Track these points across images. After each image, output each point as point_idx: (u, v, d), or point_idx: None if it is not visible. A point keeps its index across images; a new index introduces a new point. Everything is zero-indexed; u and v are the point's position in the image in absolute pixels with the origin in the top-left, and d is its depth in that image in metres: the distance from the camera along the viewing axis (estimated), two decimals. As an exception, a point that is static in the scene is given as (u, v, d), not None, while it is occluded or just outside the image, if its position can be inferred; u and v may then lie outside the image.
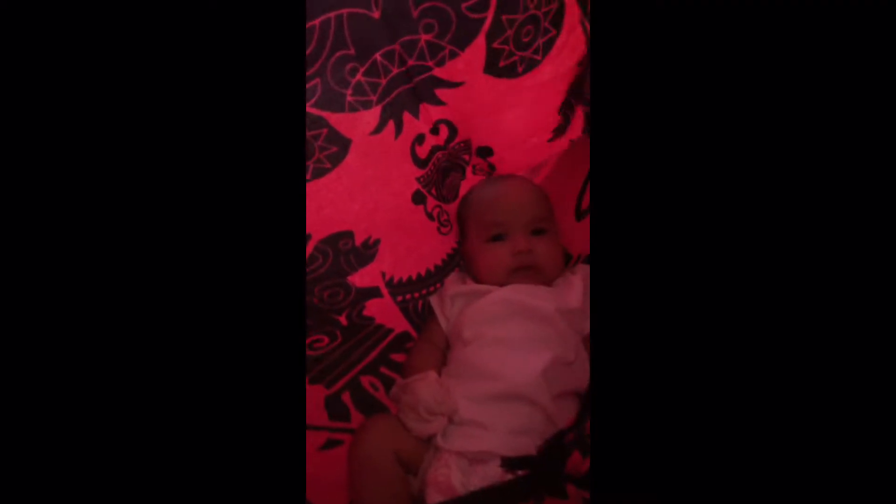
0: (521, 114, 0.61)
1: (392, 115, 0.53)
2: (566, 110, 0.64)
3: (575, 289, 0.62)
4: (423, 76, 0.54)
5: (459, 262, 0.72)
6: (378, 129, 0.53)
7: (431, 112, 0.57)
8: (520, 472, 0.42)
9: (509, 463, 0.41)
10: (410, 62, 0.52)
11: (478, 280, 0.66)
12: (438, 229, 0.69)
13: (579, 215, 0.73)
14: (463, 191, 0.71)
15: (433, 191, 0.65)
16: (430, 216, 0.66)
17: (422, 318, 0.68)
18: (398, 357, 0.66)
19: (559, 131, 0.66)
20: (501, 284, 0.63)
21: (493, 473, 0.49)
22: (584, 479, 0.39)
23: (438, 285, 0.69)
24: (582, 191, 0.72)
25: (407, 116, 0.55)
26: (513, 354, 0.57)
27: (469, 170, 0.69)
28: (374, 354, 0.64)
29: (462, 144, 0.64)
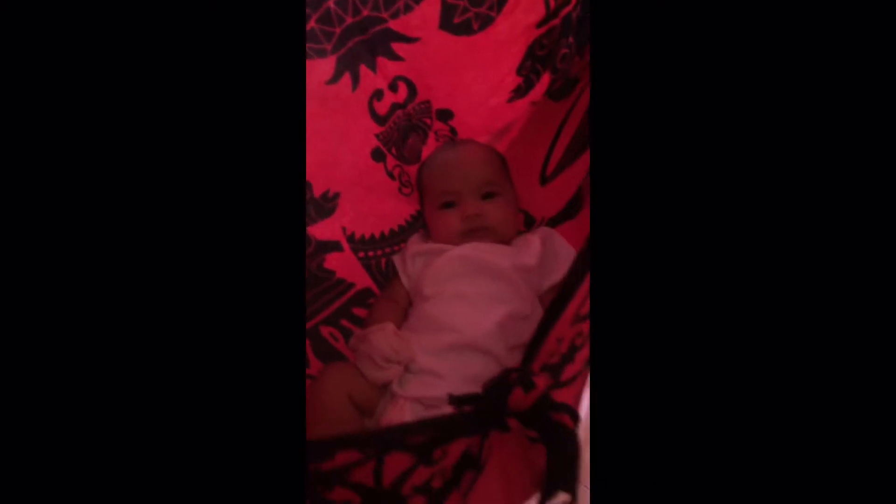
0: (479, 74, 0.62)
1: (348, 66, 0.54)
2: (527, 72, 0.65)
3: (532, 247, 0.64)
4: (378, 27, 0.54)
5: (423, 223, 0.73)
6: (334, 79, 0.53)
7: (389, 67, 0.58)
8: (466, 408, 0.44)
9: (457, 400, 0.42)
10: (365, 12, 0.52)
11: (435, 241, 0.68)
12: (400, 189, 0.70)
13: (544, 180, 0.74)
14: (425, 154, 0.72)
15: (393, 150, 0.66)
16: (390, 175, 0.67)
17: (385, 275, 0.69)
18: (360, 311, 0.67)
19: (518, 92, 0.67)
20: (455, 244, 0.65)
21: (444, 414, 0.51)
22: (526, 415, 0.40)
23: (402, 245, 0.71)
24: (547, 156, 0.73)
25: (364, 69, 0.55)
26: (470, 309, 0.59)
27: (431, 134, 0.70)
28: (335, 307, 0.65)
29: (423, 106, 0.64)
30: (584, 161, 0.69)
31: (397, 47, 0.56)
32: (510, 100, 0.67)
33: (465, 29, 0.57)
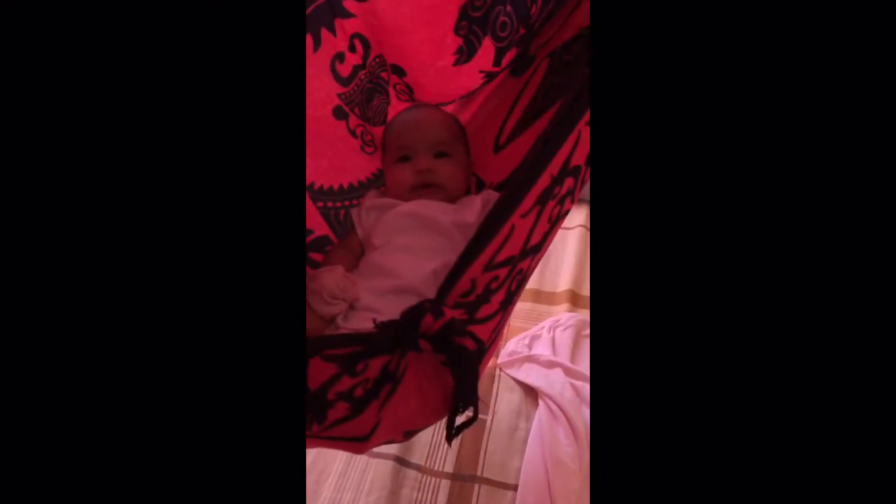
0: (421, 35, 0.66)
1: (310, 29, 0.59)
2: (465, 32, 0.68)
3: (473, 206, 0.71)
4: None
5: (384, 182, 0.79)
6: (296, 40, 0.59)
7: (346, 26, 0.63)
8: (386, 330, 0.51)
9: (379, 325, 0.49)
10: (321, -27, 0.56)
11: (389, 196, 0.74)
12: (362, 147, 0.75)
13: (497, 148, 0.81)
14: (390, 116, 0.78)
15: (356, 110, 0.72)
16: (352, 133, 0.73)
17: (343, 225, 0.76)
18: (317, 256, 0.74)
19: (461, 55, 0.71)
20: (406, 200, 0.71)
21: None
22: (435, 338, 0.48)
23: (362, 199, 0.77)
24: (502, 126, 0.80)
25: (325, 33, 0.61)
26: (411, 258, 0.66)
27: (392, 92, 0.75)
28: (292, 251, 0.71)
29: (378, 60, 0.69)
30: (532, 132, 0.75)
31: (349, 4, 0.61)
32: (455, 63, 0.71)
33: None
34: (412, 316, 0.48)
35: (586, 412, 0.94)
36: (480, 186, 0.81)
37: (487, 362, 0.73)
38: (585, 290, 1.22)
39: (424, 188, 0.71)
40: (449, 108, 0.82)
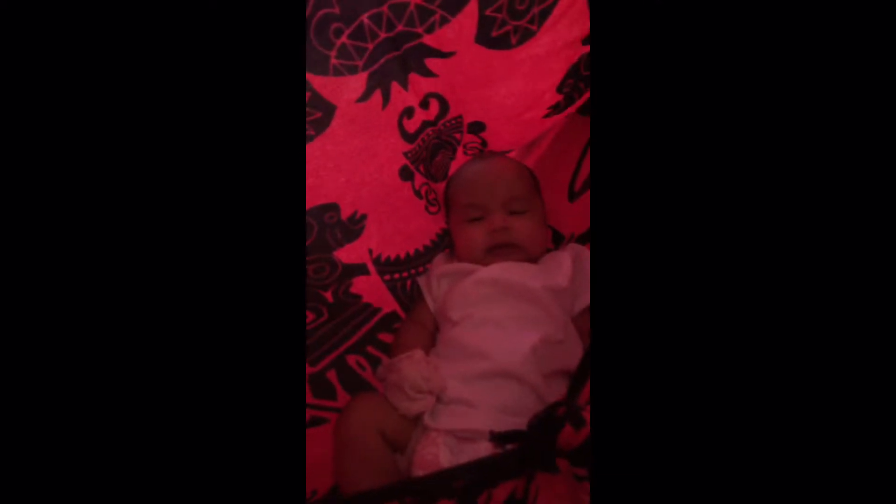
0: (515, 88, 0.60)
1: (379, 83, 0.52)
2: (569, 90, 0.63)
3: (564, 267, 0.61)
4: (412, 43, 0.52)
5: (449, 243, 0.71)
6: (364, 97, 0.52)
7: (421, 84, 0.56)
8: (509, 447, 0.41)
9: (498, 437, 0.40)
10: (399, 27, 0.50)
11: (460, 259, 0.66)
12: (426, 208, 0.68)
13: (572, 196, 0.72)
14: (452, 171, 0.70)
15: (421, 168, 0.64)
16: (417, 194, 0.65)
17: (410, 298, 0.67)
18: (386, 337, 0.65)
19: (557, 109, 0.65)
20: (481, 262, 0.63)
21: (482, 450, 0.48)
22: (575, 454, 0.38)
23: (428, 265, 0.68)
24: (576, 171, 0.71)
25: (395, 87, 0.54)
26: (501, 333, 0.57)
27: (460, 149, 0.68)
28: (360, 333, 0.63)
29: (454, 121, 0.63)
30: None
31: (431, 63, 0.54)
32: (546, 115, 0.65)
33: (502, 43, 0.54)
34: (544, 426, 0.38)
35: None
36: (557, 238, 0.72)
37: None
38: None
39: (500, 249, 0.63)
40: (512, 154, 0.74)
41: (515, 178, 0.67)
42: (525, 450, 0.39)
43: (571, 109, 0.66)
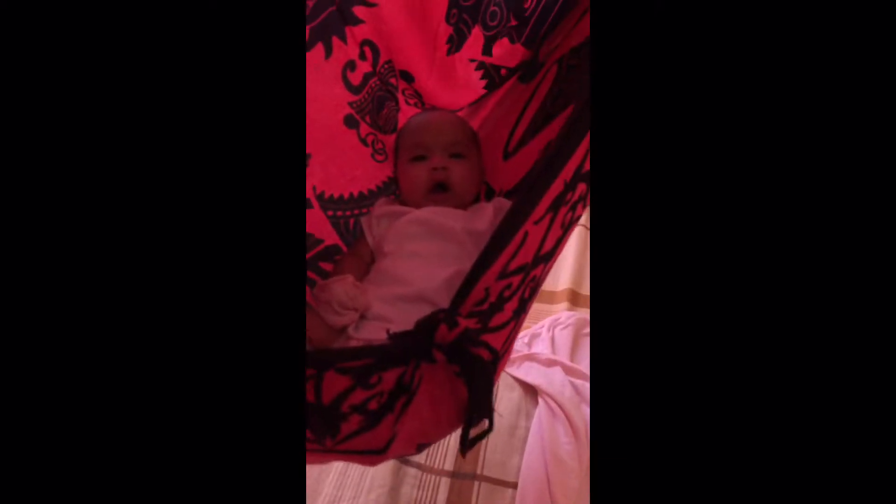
0: (416, 27, 0.66)
1: (320, 37, 0.59)
2: (455, 20, 0.69)
3: (485, 214, 0.70)
4: None
5: (395, 191, 0.79)
6: (307, 48, 0.59)
7: (355, 33, 0.63)
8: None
9: (392, 336, 0.49)
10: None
11: (402, 199, 0.74)
12: (373, 155, 0.75)
13: (506, 155, 0.80)
14: (401, 123, 0.78)
15: (367, 118, 0.71)
16: (363, 142, 0.73)
17: (353, 234, 0.75)
18: (326, 266, 0.73)
19: (452, 43, 0.71)
20: (420, 202, 0.71)
21: (389, 354, 0.57)
22: (449, 349, 0.47)
23: (372, 207, 0.77)
24: (511, 133, 0.79)
25: (335, 41, 0.61)
26: (423, 265, 0.65)
27: (401, 98, 0.75)
28: (302, 260, 0.71)
29: (387, 66, 0.69)
30: (542, 138, 0.74)
31: (358, 11, 0.61)
32: (448, 52, 0.71)
33: None
34: (426, 326, 0.47)
35: (586, 410, 0.93)
36: (490, 194, 0.80)
37: (501, 372, 0.73)
38: (585, 289, 1.21)
39: (439, 190, 0.71)
40: (460, 114, 0.82)
41: (458, 126, 0.75)
42: (410, 343, 0.48)
43: (475, 52, 0.73)
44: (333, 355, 0.45)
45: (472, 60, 0.74)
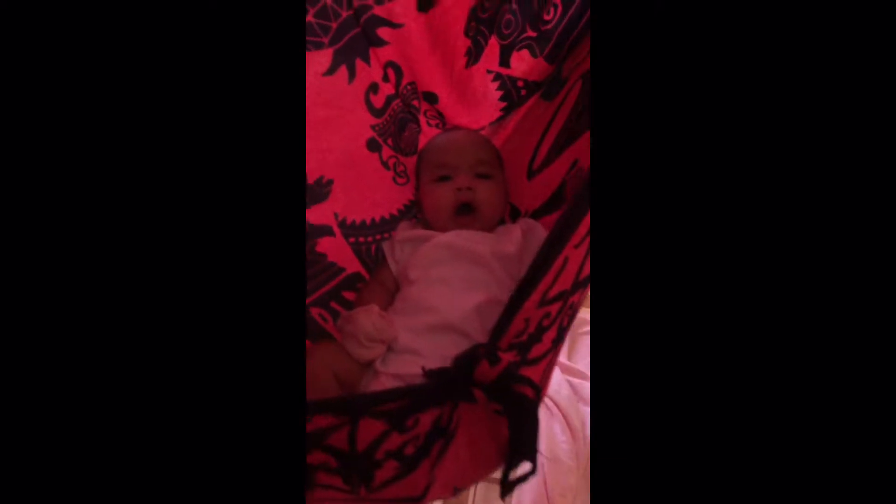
0: (441, 43, 0.64)
1: (344, 59, 0.57)
2: (473, 33, 0.67)
3: (513, 236, 0.67)
4: (367, 15, 0.57)
5: (416, 213, 0.76)
6: (330, 72, 0.57)
7: (379, 54, 0.61)
8: (437, 380, 0.47)
9: (429, 373, 0.46)
10: (356, 2, 0.55)
11: (426, 221, 0.71)
12: (394, 179, 0.73)
13: (531, 174, 0.77)
14: (422, 144, 0.75)
15: (389, 141, 0.69)
16: (385, 165, 0.70)
17: (375, 261, 0.73)
18: (349, 295, 0.70)
19: (470, 56, 0.69)
20: (446, 223, 0.68)
21: (420, 389, 0.54)
22: (490, 388, 0.44)
23: (394, 232, 0.74)
24: (535, 152, 0.77)
25: (359, 63, 0.59)
26: (450, 292, 0.62)
27: (422, 119, 0.73)
28: (325, 289, 0.68)
29: (409, 87, 0.67)
30: (567, 157, 0.72)
31: (382, 32, 0.59)
32: (467, 64, 0.69)
33: (427, 5, 0.60)
34: (465, 363, 0.44)
35: (583, 409, 0.90)
36: (515, 214, 0.78)
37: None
38: None
39: (464, 211, 0.68)
40: (482, 133, 0.80)
41: (483, 145, 0.72)
42: (448, 381, 0.44)
43: (492, 63, 0.71)
44: (368, 399, 0.41)
45: (490, 72, 0.72)
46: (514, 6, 0.66)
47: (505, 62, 0.71)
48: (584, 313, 1.08)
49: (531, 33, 0.69)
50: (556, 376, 0.95)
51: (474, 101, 0.74)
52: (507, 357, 0.44)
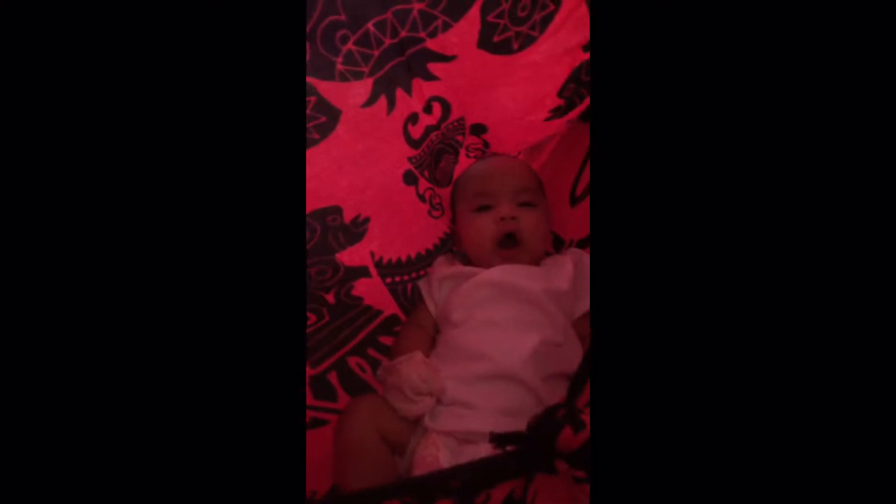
0: (517, 92, 0.60)
1: (384, 89, 0.53)
2: (570, 94, 0.64)
3: (564, 270, 0.62)
4: (415, 48, 0.53)
5: (451, 247, 0.71)
6: (369, 103, 0.52)
7: (424, 88, 0.57)
8: (509, 448, 0.41)
9: (498, 438, 0.40)
10: (403, 33, 0.51)
11: (465, 253, 0.66)
12: (430, 212, 0.68)
13: (573, 201, 0.73)
14: (456, 175, 0.71)
15: (426, 173, 0.65)
16: (421, 198, 0.66)
17: (411, 301, 0.68)
18: (386, 340, 0.65)
19: (558, 113, 0.66)
20: (488, 257, 0.63)
21: (482, 452, 0.48)
22: (574, 456, 0.38)
23: (429, 269, 0.69)
24: (577, 177, 0.72)
25: (400, 93, 0.54)
26: (501, 335, 0.57)
27: (462, 152, 0.68)
28: (361, 336, 0.63)
29: (456, 124, 0.63)
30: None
31: (433, 67, 0.55)
32: (547, 119, 0.66)
33: (504, 48, 0.55)
34: (543, 428, 0.38)
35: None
36: (558, 243, 0.72)
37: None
38: None
39: (508, 243, 0.63)
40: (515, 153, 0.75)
41: (525, 172, 0.68)
42: (524, 451, 0.39)
43: (573, 114, 0.67)
44: (436, 481, 0.36)
45: (570, 122, 0.69)
46: None
47: (587, 116, 0.67)
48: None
49: None
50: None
51: (531, 140, 0.70)
52: (587, 419, 0.38)
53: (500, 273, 0.61)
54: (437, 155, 0.65)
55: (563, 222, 0.72)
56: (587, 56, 0.59)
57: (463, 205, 0.66)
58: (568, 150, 0.75)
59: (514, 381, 0.54)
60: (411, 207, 0.64)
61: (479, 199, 0.64)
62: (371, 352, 0.63)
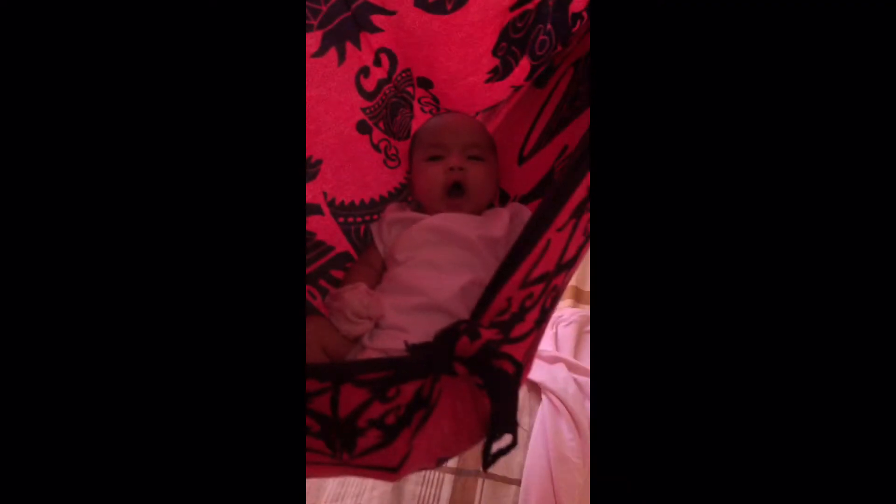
0: (455, 52, 0.65)
1: (334, 42, 0.57)
2: (503, 53, 0.68)
3: (501, 220, 0.68)
4: (359, 2, 0.57)
5: (407, 196, 0.77)
6: (319, 53, 0.57)
7: (372, 40, 0.61)
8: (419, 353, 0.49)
9: (412, 347, 0.47)
10: (347, -12, 0.55)
11: (417, 203, 0.72)
12: (385, 161, 0.74)
13: (521, 160, 0.79)
14: (414, 129, 0.76)
15: (381, 124, 0.70)
16: (376, 147, 0.71)
17: (363, 241, 0.74)
18: (338, 273, 0.71)
19: (496, 74, 0.70)
20: (436, 204, 0.69)
21: (406, 364, 0.55)
22: (470, 361, 0.45)
23: (382, 214, 0.75)
24: (526, 138, 0.78)
25: (349, 46, 0.59)
26: (437, 274, 0.64)
27: (416, 105, 0.73)
28: (314, 267, 0.69)
29: (404, 74, 0.68)
30: (558, 143, 0.73)
31: (377, 19, 0.59)
32: (488, 80, 0.71)
33: (438, 8, 0.60)
34: (447, 338, 0.45)
35: (589, 407, 0.92)
36: (504, 199, 0.79)
37: (523, 384, 0.71)
38: (588, 286, 1.21)
39: (455, 192, 0.69)
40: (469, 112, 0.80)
41: (477, 128, 0.74)
42: (429, 355, 0.46)
43: (514, 79, 0.72)
44: (350, 367, 0.43)
45: (513, 86, 0.73)
46: (549, 27, 0.67)
47: (530, 77, 0.72)
48: (589, 310, 1.12)
49: (560, 48, 0.70)
50: (563, 374, 0.96)
51: (482, 101, 0.75)
52: (488, 334, 0.45)
53: (442, 220, 0.68)
54: (392, 108, 0.70)
55: (511, 180, 0.78)
56: (515, 14, 0.63)
57: (417, 154, 0.72)
58: (521, 114, 0.80)
59: (444, 312, 0.61)
60: (365, 155, 0.69)
61: (432, 149, 0.70)
62: (322, 282, 0.69)
